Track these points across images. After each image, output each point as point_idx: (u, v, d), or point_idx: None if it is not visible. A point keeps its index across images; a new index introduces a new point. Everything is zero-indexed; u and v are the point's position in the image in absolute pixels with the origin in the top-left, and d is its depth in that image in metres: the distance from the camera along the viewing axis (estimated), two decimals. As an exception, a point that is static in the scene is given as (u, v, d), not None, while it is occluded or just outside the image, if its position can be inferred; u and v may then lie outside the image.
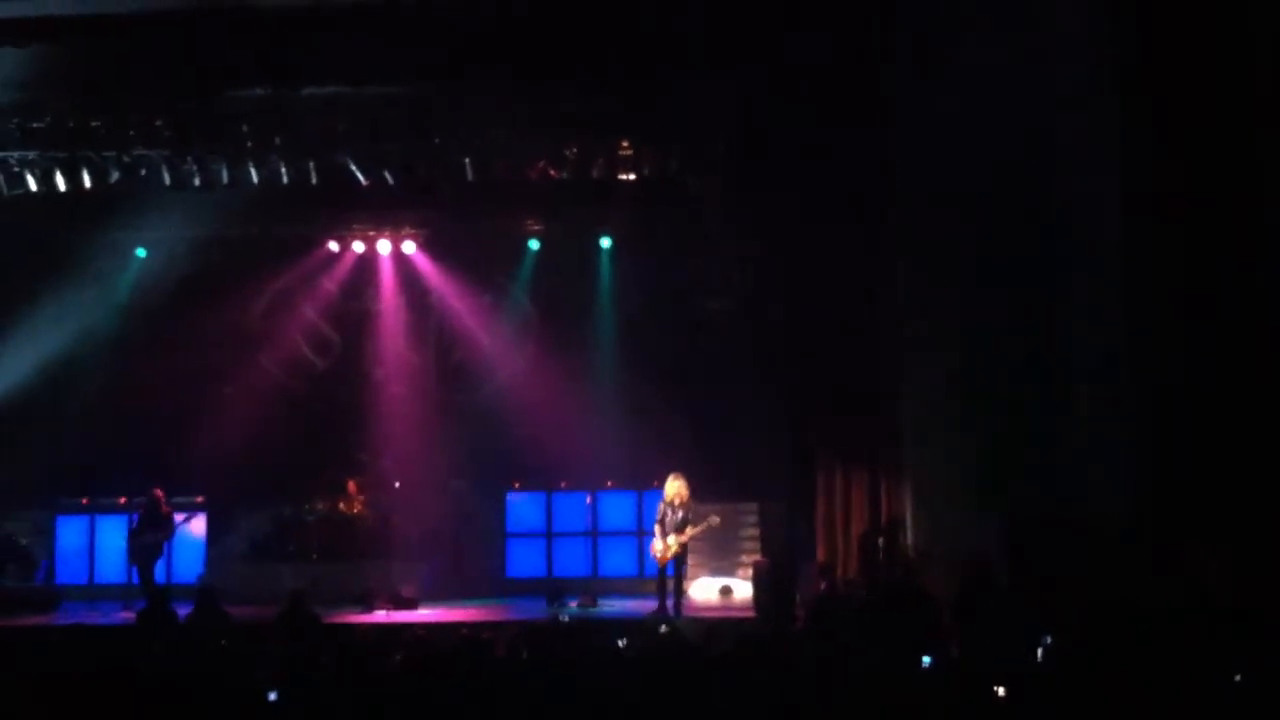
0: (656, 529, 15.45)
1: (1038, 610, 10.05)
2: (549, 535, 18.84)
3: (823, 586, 14.45)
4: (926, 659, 8.38)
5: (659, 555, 15.34)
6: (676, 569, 15.33)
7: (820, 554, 15.45)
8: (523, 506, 19.04)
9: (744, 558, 17.34)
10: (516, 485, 18.99)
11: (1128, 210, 12.22)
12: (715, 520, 15.46)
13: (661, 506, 15.48)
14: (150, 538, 16.46)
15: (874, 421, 15.02)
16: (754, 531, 17.65)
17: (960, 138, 13.32)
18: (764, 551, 16.92)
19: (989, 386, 13.45)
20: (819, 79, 14.00)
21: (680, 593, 15.38)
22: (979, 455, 13.41)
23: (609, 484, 18.65)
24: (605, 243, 19.20)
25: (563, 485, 18.74)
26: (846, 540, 15.39)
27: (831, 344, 15.15)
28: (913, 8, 13.66)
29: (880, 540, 14.91)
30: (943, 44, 13.40)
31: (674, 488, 15.43)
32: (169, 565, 16.88)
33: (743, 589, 16.75)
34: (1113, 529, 12.03)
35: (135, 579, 16.39)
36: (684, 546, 15.34)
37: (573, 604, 16.35)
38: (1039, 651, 8.57)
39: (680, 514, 15.31)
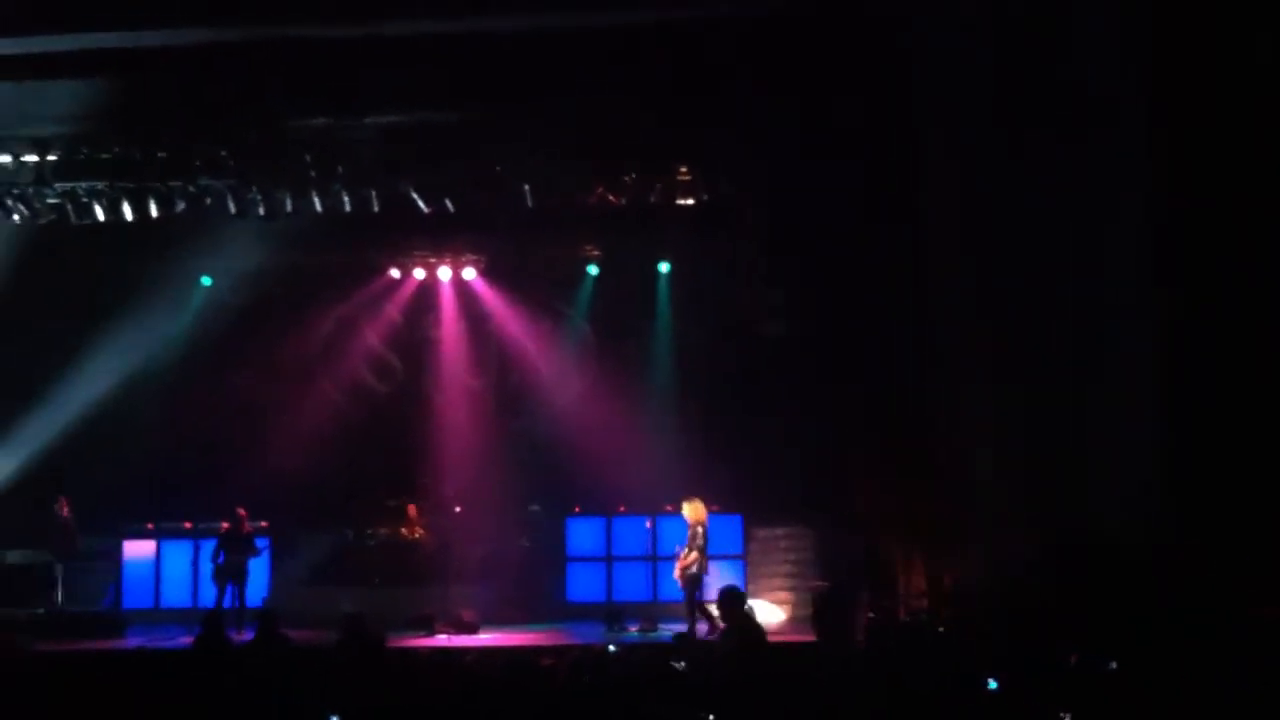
0: (682, 552, 15.54)
1: (1088, 631, 9.96)
2: (609, 559, 18.85)
3: (878, 612, 14.38)
4: (992, 683, 8.33)
5: (680, 579, 15.44)
6: (693, 588, 15.46)
7: (877, 578, 15.37)
8: (582, 530, 19.06)
9: (780, 580, 17.37)
10: (576, 509, 19.02)
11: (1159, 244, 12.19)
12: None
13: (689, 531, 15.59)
14: (235, 559, 16.75)
15: (926, 445, 14.95)
16: (794, 556, 17.64)
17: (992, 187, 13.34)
18: (823, 575, 16.84)
19: (1031, 407, 13.37)
20: (857, 112, 14.05)
21: (708, 615, 15.43)
22: (1026, 475, 13.32)
23: (668, 508, 18.58)
24: (663, 267, 19.29)
25: (622, 509, 18.75)
26: (902, 564, 15.31)
27: (880, 369, 15.13)
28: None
29: (934, 565, 14.83)
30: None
31: (692, 510, 15.52)
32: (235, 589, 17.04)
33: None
34: (1147, 546, 11.94)
35: (229, 601, 16.62)
36: (697, 565, 15.49)
37: (633, 628, 16.35)
38: (1098, 673, 8.50)
39: (688, 535, 15.51)
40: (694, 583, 15.51)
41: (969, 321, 14.07)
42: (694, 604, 15.48)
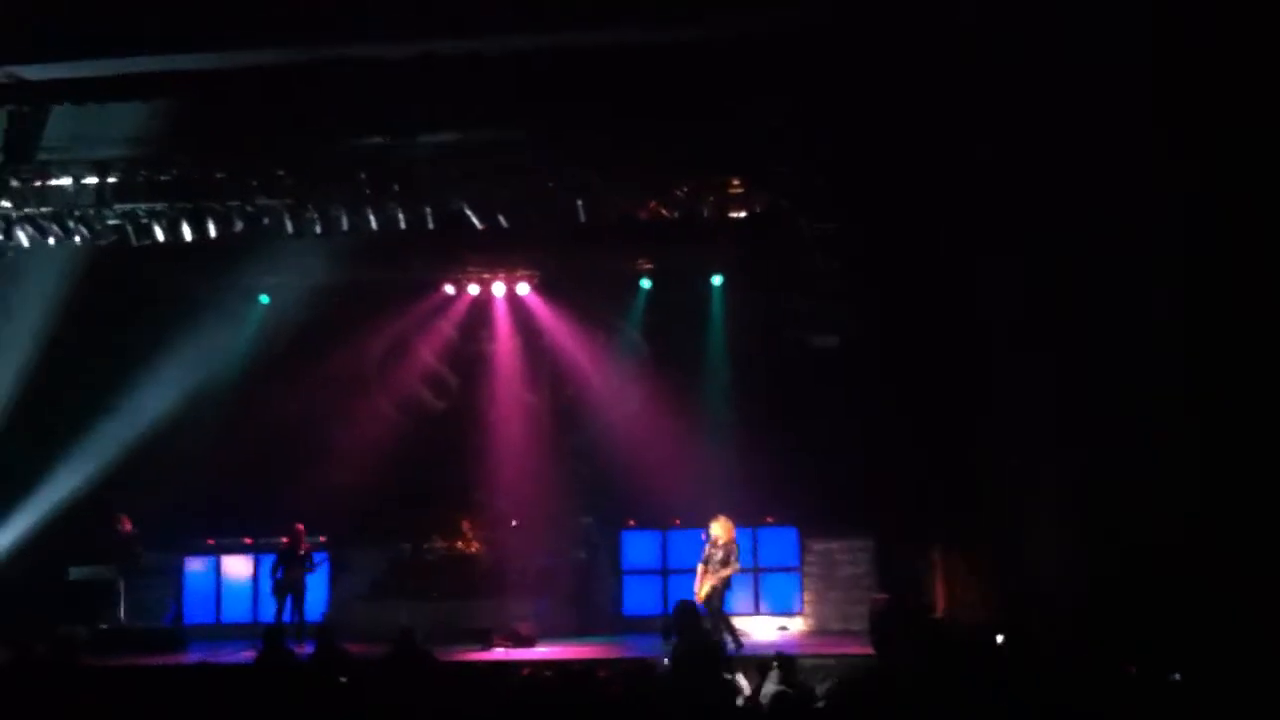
0: (699, 569, 15.61)
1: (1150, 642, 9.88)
2: (664, 572, 18.87)
3: (936, 624, 14.31)
4: (1050, 694, 8.28)
5: (700, 594, 15.46)
6: (720, 606, 15.48)
7: (935, 591, 15.30)
8: (638, 543, 19.10)
9: (837, 593, 17.37)
10: (631, 523, 19.06)
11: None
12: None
13: (707, 548, 15.63)
14: (292, 574, 16.93)
15: (981, 455, 14.87)
16: (851, 569, 17.60)
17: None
18: (882, 588, 16.77)
19: (1088, 414, 13.27)
20: (918, 122, 13.99)
21: (732, 629, 15.51)
22: (1084, 483, 13.22)
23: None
24: (716, 280, 19.30)
25: (676, 522, 18.75)
26: (960, 575, 15.21)
27: (935, 379, 15.06)
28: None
29: (991, 576, 14.73)
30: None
31: (720, 528, 15.61)
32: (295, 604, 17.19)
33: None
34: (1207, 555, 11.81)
35: (289, 615, 16.79)
36: (725, 585, 15.52)
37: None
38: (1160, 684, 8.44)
39: (720, 553, 15.51)
40: (720, 597, 15.55)
41: (1023, 329, 13.98)
42: (722, 617, 15.49)
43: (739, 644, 15.23)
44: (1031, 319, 13.87)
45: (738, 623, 17.60)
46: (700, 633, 14.05)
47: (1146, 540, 12.67)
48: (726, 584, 15.64)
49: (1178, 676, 8.63)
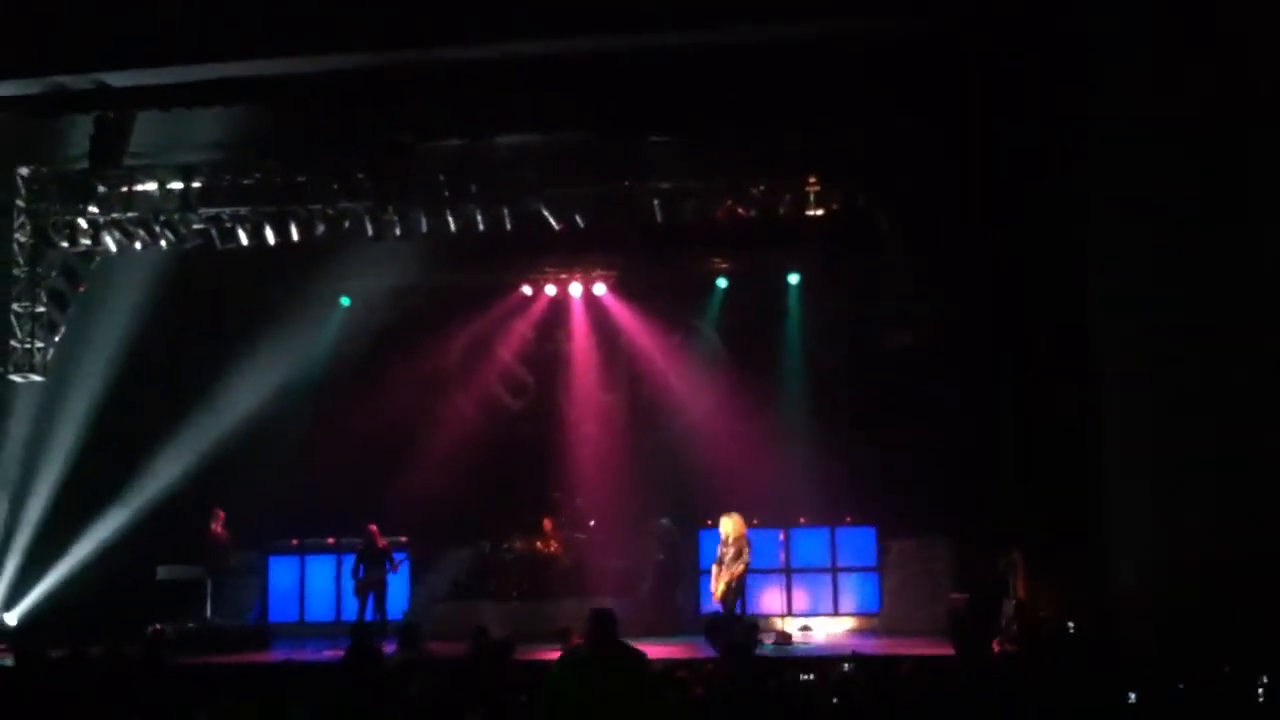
0: (715, 569, 15.53)
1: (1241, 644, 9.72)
2: (743, 572, 18.78)
3: (1018, 625, 14.17)
4: (1131, 696, 8.20)
5: (716, 594, 15.42)
6: (736, 604, 15.40)
7: (1018, 592, 15.12)
8: (716, 543, 19.04)
9: (914, 593, 17.28)
10: (709, 523, 18.98)
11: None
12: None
13: (720, 546, 15.56)
14: (373, 574, 17.11)
15: (1064, 454, 14.69)
16: (929, 568, 17.49)
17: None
18: (961, 588, 16.63)
19: (1179, 416, 13.06)
20: (1006, 123, 13.89)
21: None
22: (1172, 484, 13.01)
23: (801, 520, 18.57)
24: (793, 279, 19.25)
25: (755, 522, 18.61)
26: (1041, 576, 15.03)
27: (1015, 378, 14.89)
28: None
29: (1074, 576, 14.55)
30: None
31: (730, 524, 15.50)
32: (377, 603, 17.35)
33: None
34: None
35: (371, 614, 16.96)
36: (740, 582, 15.39)
37: (768, 641, 16.30)
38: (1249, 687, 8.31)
39: (731, 550, 15.41)
40: (737, 595, 15.46)
41: (1110, 328, 13.80)
42: (735, 619, 15.42)
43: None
44: (1116, 319, 13.68)
45: (817, 623, 17.67)
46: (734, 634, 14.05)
47: (1237, 544, 12.46)
48: (741, 581, 15.50)
49: (1265, 680, 8.49)
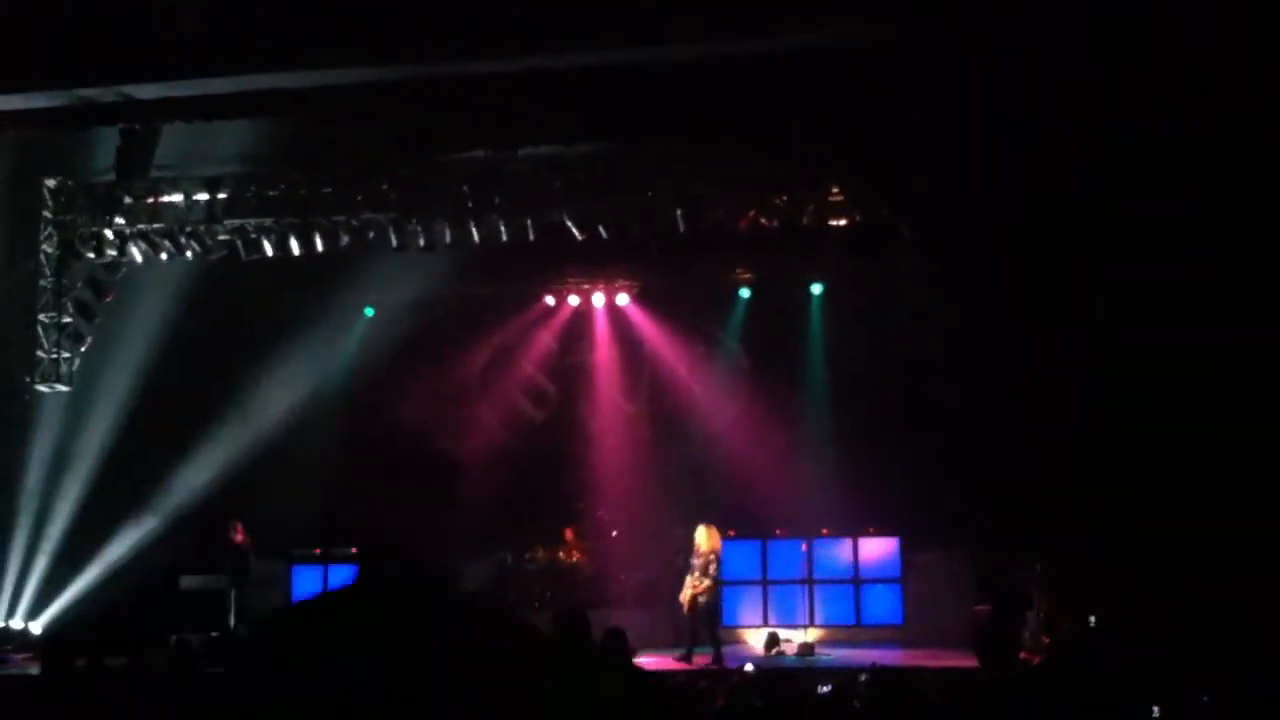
0: (687, 580, 15.52)
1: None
2: (764, 583, 18.78)
3: (1044, 635, 14.12)
4: (1155, 710, 8.17)
5: (684, 602, 15.45)
6: (711, 618, 15.41)
7: (1041, 603, 15.07)
8: (738, 554, 19.03)
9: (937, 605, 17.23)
10: (731, 533, 18.97)
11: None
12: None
13: (692, 558, 15.60)
14: None
15: (1095, 465, 14.62)
16: (954, 579, 17.41)
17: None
18: (984, 599, 16.57)
19: (1202, 425, 13.00)
20: (1020, 132, 13.85)
21: (717, 642, 15.37)
22: (1198, 491, 12.95)
23: (824, 531, 18.55)
24: (816, 289, 19.25)
25: (777, 533, 18.70)
26: (1065, 586, 14.97)
27: (1038, 389, 14.83)
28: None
29: (1098, 586, 14.48)
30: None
31: (702, 537, 15.52)
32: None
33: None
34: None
35: None
36: (713, 598, 15.42)
37: (790, 652, 16.28)
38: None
39: (699, 562, 15.43)
40: (713, 612, 15.47)
41: (1133, 335, 13.73)
42: (714, 633, 15.41)
43: (720, 660, 15.05)
44: (1137, 332, 13.62)
45: (841, 633, 17.62)
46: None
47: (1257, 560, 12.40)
48: (716, 595, 15.50)
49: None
